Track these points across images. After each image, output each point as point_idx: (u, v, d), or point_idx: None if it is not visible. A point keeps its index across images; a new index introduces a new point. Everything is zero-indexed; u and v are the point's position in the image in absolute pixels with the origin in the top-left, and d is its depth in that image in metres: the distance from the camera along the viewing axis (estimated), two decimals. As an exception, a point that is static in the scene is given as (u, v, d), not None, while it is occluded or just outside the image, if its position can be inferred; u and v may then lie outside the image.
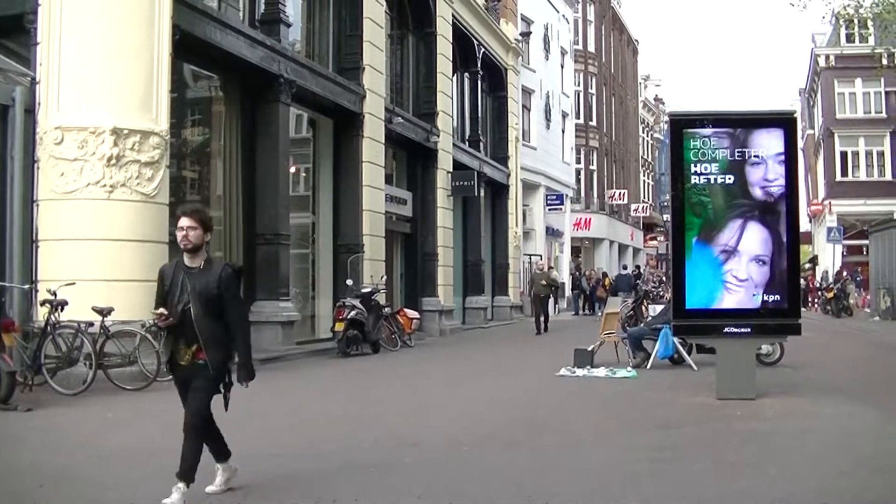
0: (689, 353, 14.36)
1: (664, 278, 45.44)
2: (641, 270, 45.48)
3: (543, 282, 25.57)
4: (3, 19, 13.31)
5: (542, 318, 24.91)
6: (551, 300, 28.90)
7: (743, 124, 10.95)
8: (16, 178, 12.32)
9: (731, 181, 10.69)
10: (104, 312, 11.58)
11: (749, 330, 10.78)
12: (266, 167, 17.08)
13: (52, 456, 7.55)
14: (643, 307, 20.43)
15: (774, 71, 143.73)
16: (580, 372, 13.82)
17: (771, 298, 10.68)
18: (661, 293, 26.71)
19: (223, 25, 15.44)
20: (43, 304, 11.48)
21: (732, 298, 10.68)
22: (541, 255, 37.60)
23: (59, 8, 12.46)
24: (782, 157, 10.69)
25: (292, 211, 18.21)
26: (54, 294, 11.25)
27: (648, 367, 14.33)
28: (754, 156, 10.70)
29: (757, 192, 10.70)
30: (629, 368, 14.16)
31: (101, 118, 12.41)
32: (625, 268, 45.71)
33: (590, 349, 14.74)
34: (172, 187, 13.96)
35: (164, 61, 13.13)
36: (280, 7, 17.41)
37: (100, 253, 12.33)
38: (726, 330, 10.73)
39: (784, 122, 11.05)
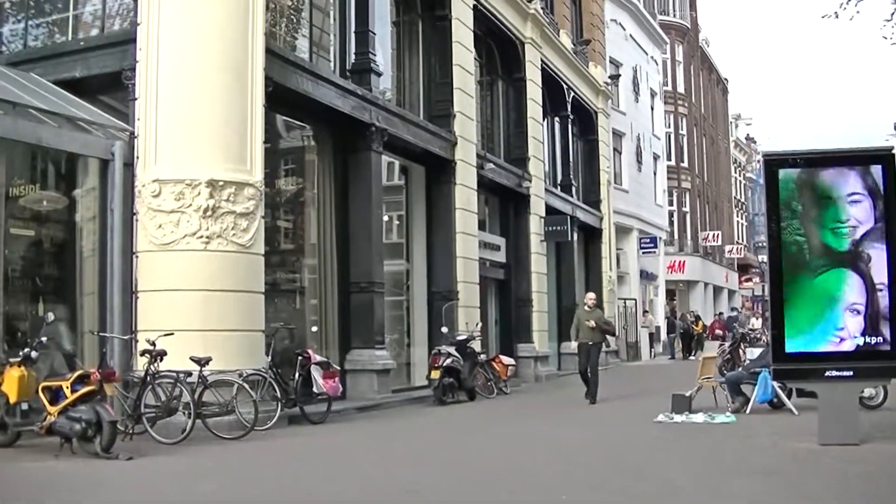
0: (789, 398, 13.90)
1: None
2: (738, 313, 44.62)
3: (591, 323, 17.17)
4: (102, 76, 13.73)
5: (588, 377, 17.24)
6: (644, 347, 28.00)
7: (838, 162, 10.61)
8: (116, 231, 12.59)
9: (827, 220, 10.35)
10: (202, 362, 11.65)
11: (851, 373, 10.30)
12: (359, 215, 17.12)
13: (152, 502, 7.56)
14: (740, 351, 19.87)
15: (869, 104, 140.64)
16: (678, 418, 13.47)
17: (873, 340, 10.27)
18: (759, 336, 25.97)
19: (314, 76, 15.62)
20: (142, 354, 11.59)
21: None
22: (635, 300, 37.13)
23: (155, 65, 12.74)
24: (881, 194, 10.33)
25: (386, 258, 18.21)
26: (153, 344, 11.35)
27: (748, 411, 13.88)
28: (851, 193, 10.34)
29: (851, 233, 10.34)
30: (728, 413, 13.75)
31: (197, 170, 12.60)
32: (733, 310, 44.97)
33: (687, 394, 14.38)
34: (267, 237, 14.08)
35: (258, 112, 13.29)
36: (370, 56, 17.54)
37: (197, 303, 12.46)
38: (828, 374, 10.30)
39: (881, 158, 10.61)
